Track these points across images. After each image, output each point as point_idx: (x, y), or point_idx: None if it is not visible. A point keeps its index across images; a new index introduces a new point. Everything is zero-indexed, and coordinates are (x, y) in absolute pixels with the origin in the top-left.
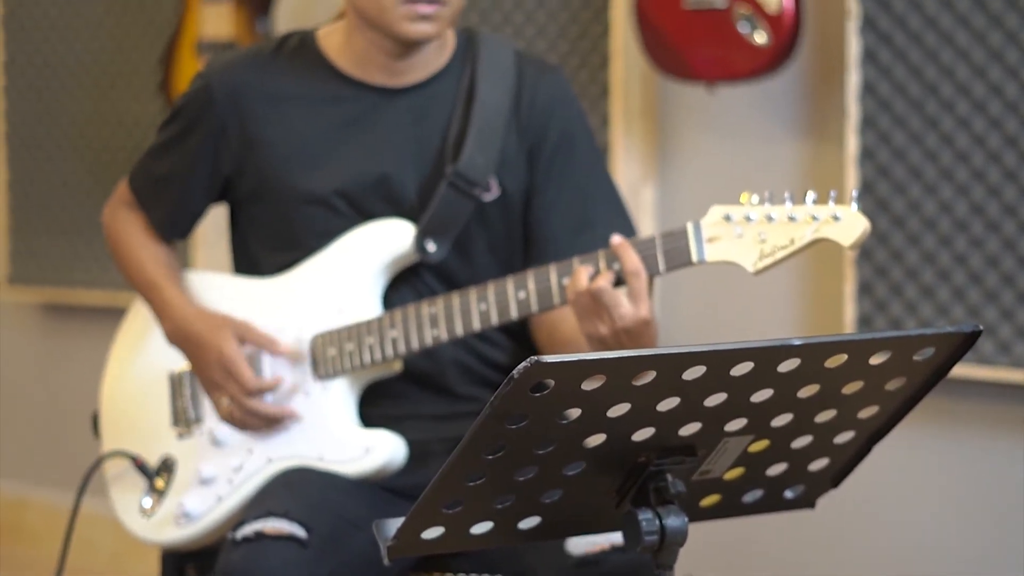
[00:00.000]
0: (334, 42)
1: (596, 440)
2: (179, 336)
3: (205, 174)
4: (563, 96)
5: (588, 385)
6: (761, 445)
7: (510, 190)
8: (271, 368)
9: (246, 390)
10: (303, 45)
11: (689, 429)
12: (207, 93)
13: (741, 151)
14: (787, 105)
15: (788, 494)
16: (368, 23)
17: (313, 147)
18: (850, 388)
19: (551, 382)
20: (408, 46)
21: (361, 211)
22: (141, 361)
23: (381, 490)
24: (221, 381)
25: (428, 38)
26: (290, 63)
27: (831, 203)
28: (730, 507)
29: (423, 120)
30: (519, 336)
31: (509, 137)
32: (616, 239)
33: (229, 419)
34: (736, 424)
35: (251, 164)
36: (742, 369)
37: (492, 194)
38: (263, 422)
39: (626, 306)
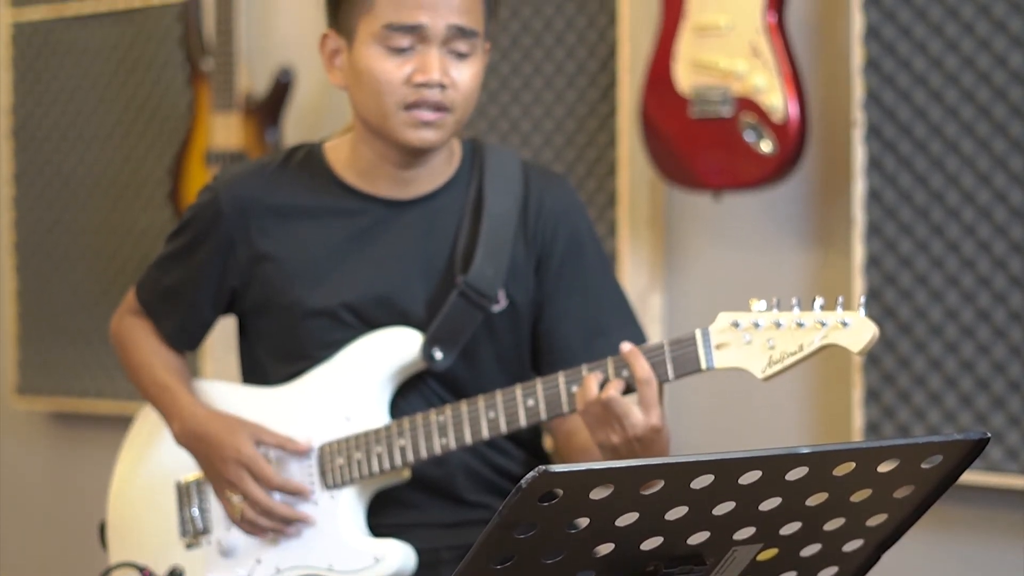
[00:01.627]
0: (341, 155)
1: (605, 549)
2: (190, 436)
3: (212, 287)
4: (570, 204)
5: (596, 494)
6: (770, 554)
7: (518, 301)
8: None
9: (271, 485)
10: (310, 158)
11: (698, 538)
12: (215, 206)
13: (748, 259)
14: (793, 213)
15: None
16: (373, 132)
17: (320, 261)
18: (858, 496)
19: (560, 491)
20: (413, 155)
21: (368, 323)
22: (148, 470)
23: None
24: (235, 479)
25: (431, 146)
26: (297, 176)
27: (839, 309)
28: None
29: (431, 232)
30: (529, 443)
31: (517, 248)
32: (626, 346)
33: (238, 520)
34: (745, 533)
35: (258, 277)
36: (750, 478)
37: (500, 305)
38: (275, 523)
39: (637, 415)
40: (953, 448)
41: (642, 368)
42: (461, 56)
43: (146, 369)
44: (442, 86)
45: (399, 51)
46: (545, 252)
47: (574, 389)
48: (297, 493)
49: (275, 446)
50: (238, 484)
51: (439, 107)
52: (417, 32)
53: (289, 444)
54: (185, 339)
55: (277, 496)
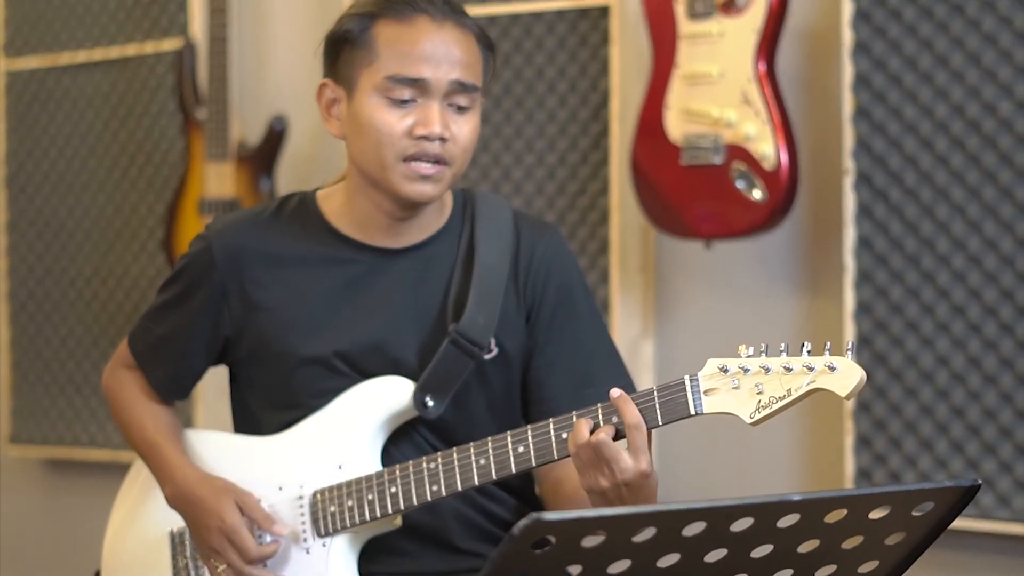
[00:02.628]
0: (334, 204)
1: None
2: (180, 499)
3: (205, 336)
4: (560, 254)
5: (588, 542)
6: None
7: (508, 350)
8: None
9: (248, 558)
10: (302, 206)
11: None
12: (208, 255)
13: (739, 306)
14: (784, 260)
15: None
16: (370, 183)
17: (313, 310)
18: (850, 543)
19: (552, 539)
20: (409, 206)
21: (361, 371)
22: (143, 519)
23: None
24: (219, 548)
25: (429, 199)
26: (290, 225)
27: (827, 354)
28: None
29: (423, 281)
30: (520, 491)
31: (507, 297)
32: (615, 392)
33: None
34: None
35: (251, 327)
36: (742, 525)
37: (491, 353)
38: None
39: (626, 460)
40: (944, 495)
41: (631, 414)
42: (461, 110)
43: (137, 428)
44: (442, 139)
45: (401, 103)
46: (536, 302)
47: (564, 436)
48: (272, 555)
49: (255, 521)
50: (221, 553)
51: (438, 160)
52: (420, 85)
53: (267, 523)
54: (175, 389)
55: (269, 537)
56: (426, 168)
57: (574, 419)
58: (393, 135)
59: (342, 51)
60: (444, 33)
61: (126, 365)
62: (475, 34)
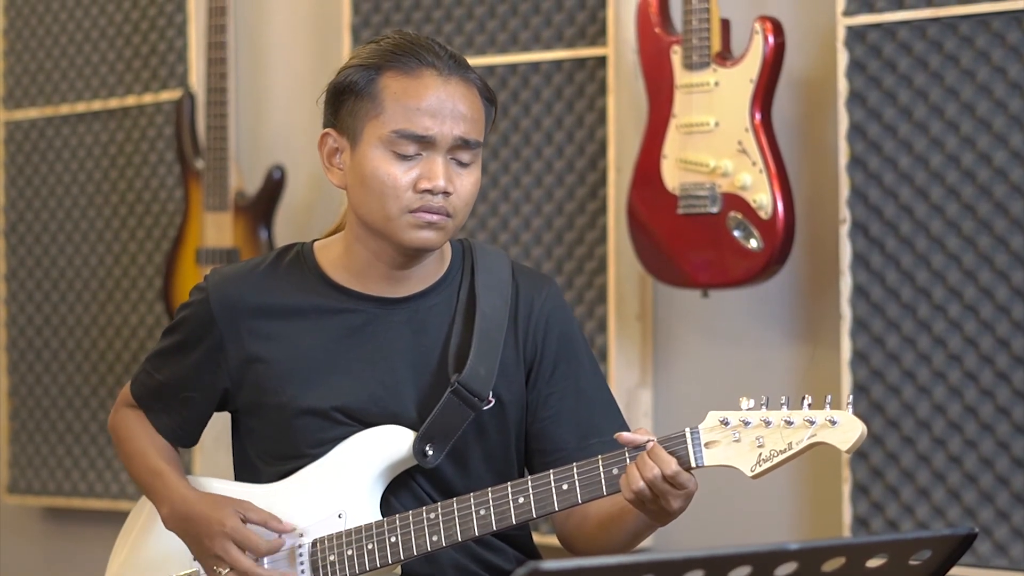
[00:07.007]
0: (332, 255)
1: None
2: (178, 518)
3: (204, 387)
4: (558, 306)
5: None
6: None
7: (505, 400)
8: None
9: (258, 553)
10: (300, 258)
11: None
12: (206, 306)
13: (737, 354)
14: (781, 309)
15: None
16: (373, 232)
17: (312, 362)
18: None
19: None
20: (410, 255)
21: (360, 421)
22: (140, 567)
23: None
24: (221, 552)
25: (432, 247)
26: (288, 276)
27: (827, 407)
28: None
29: (423, 330)
30: (519, 541)
31: (506, 349)
32: (642, 438)
33: None
34: None
35: (249, 378)
36: (739, 573)
37: (489, 404)
38: None
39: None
40: (942, 543)
41: (667, 460)
42: (463, 164)
43: (140, 457)
44: (446, 193)
45: (405, 157)
46: (537, 355)
47: (565, 487)
48: (279, 549)
49: (259, 523)
50: (224, 556)
51: (440, 212)
52: (425, 140)
53: (273, 521)
54: (180, 435)
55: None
56: (430, 217)
57: (574, 471)
58: (398, 188)
59: (346, 102)
60: (450, 88)
61: (130, 405)
62: (478, 88)
